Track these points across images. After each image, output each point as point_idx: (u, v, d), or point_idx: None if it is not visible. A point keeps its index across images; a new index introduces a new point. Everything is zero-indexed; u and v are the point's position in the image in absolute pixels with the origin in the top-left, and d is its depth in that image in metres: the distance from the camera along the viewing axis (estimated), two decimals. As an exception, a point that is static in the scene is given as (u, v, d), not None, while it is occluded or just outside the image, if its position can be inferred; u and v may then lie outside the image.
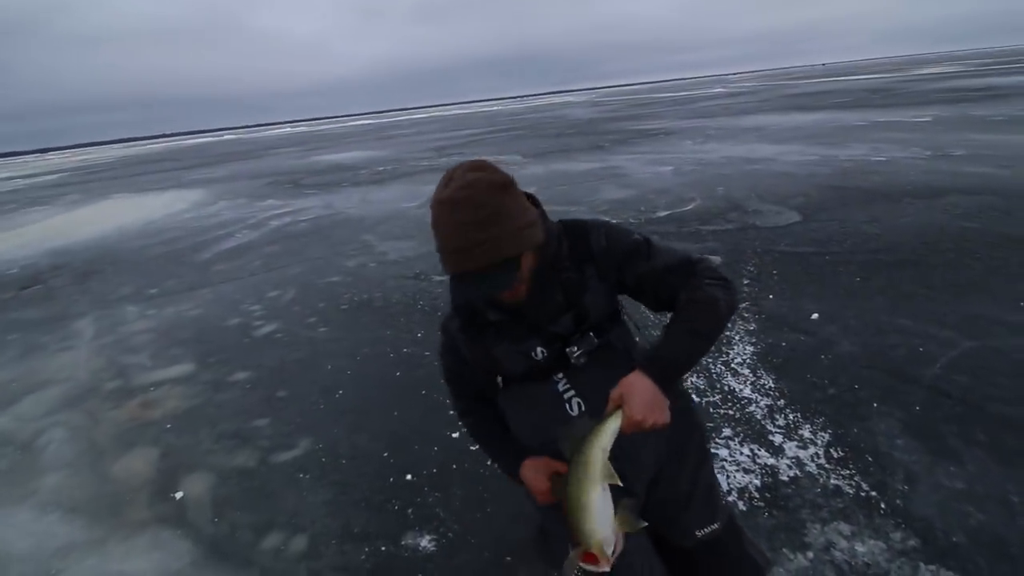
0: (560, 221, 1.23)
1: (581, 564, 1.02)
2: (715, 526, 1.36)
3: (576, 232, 1.20)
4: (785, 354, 2.96)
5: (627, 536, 1.31)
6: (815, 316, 3.34)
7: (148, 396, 3.41)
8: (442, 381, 1.39)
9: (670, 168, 9.13)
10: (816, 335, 3.12)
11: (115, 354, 4.14)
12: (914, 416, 2.33)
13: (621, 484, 1.04)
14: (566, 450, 1.06)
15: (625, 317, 1.36)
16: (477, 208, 1.00)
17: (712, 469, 1.43)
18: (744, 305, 3.62)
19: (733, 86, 50.99)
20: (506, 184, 1.05)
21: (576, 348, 1.20)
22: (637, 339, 1.38)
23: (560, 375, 1.23)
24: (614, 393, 1.06)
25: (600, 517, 1.01)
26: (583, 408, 1.23)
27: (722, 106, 24.02)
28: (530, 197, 1.16)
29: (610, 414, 1.06)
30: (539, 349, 1.20)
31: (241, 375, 3.51)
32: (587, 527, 1.01)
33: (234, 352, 3.89)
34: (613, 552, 1.03)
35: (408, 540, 2.00)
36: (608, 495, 1.04)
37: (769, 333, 3.20)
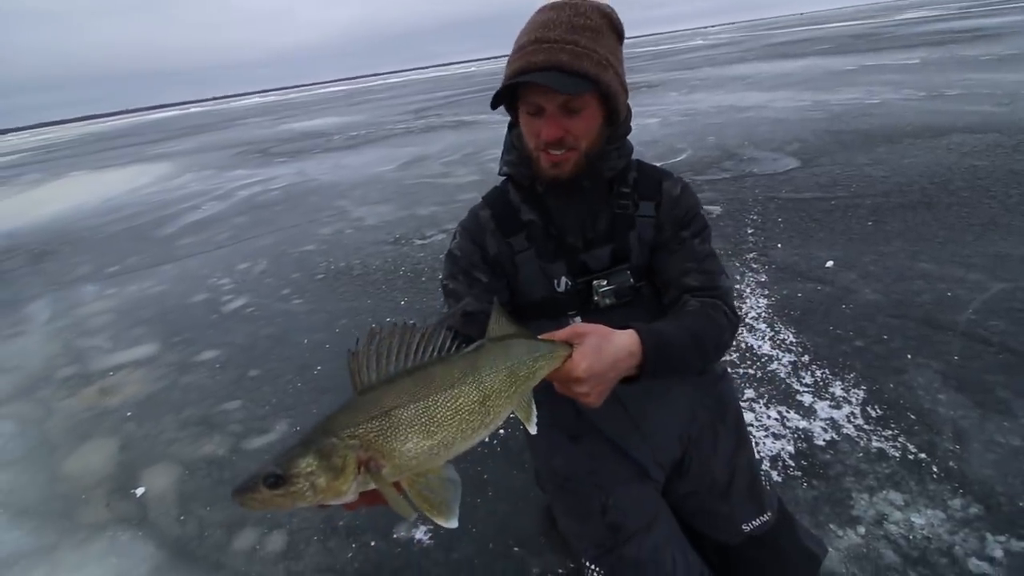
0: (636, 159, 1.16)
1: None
2: (765, 518, 1.15)
3: (650, 170, 1.13)
4: (803, 305, 2.73)
5: (657, 526, 1.07)
6: (830, 264, 3.10)
7: (106, 381, 3.09)
8: (439, 281, 1.14)
9: (656, 120, 8.75)
10: (834, 284, 2.89)
11: (71, 337, 3.79)
12: (954, 367, 2.12)
13: (531, 431, 0.82)
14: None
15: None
16: (586, 18, 0.95)
17: (754, 452, 1.23)
18: (752, 255, 3.38)
19: (712, 38, 49.86)
20: (616, 26, 0.99)
21: (605, 282, 1.06)
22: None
23: (576, 316, 1.10)
24: (577, 327, 0.86)
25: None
26: None
27: (704, 57, 23.38)
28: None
29: (553, 347, 0.84)
30: (564, 279, 1.08)
31: (209, 354, 3.20)
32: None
33: (201, 330, 3.56)
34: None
35: (400, 534, 1.75)
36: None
37: (783, 284, 2.96)
